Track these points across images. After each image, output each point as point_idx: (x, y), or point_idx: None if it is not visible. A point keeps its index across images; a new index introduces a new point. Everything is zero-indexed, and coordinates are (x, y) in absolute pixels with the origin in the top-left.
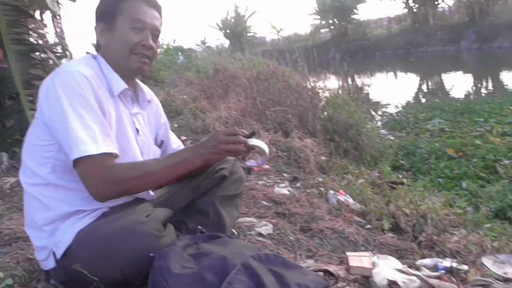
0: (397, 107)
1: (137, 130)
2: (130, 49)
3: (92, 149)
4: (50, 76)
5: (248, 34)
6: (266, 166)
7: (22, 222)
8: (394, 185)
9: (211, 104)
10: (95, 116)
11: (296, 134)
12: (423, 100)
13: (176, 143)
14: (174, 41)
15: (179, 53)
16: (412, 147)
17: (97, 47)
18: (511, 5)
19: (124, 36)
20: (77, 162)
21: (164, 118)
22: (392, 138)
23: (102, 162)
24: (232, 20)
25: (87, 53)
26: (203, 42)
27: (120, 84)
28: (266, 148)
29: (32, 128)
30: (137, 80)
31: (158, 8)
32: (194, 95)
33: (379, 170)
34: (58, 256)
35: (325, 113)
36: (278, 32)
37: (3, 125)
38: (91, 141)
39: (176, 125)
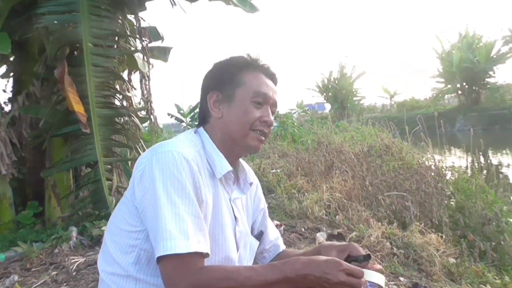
0: None
1: (236, 219)
2: (250, 125)
3: (180, 246)
4: (147, 154)
5: (355, 98)
6: None
7: None
8: None
9: (310, 182)
10: (190, 205)
11: (417, 227)
12: None
13: (274, 235)
14: None
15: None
16: None
17: (202, 119)
18: None
19: (245, 109)
20: (162, 258)
21: (263, 203)
22: None
23: (190, 262)
24: (336, 81)
25: (169, 115)
26: (300, 106)
27: (223, 166)
28: (383, 284)
29: (119, 208)
30: (240, 159)
31: (275, 80)
32: (289, 170)
33: None
34: None
35: (454, 201)
36: (392, 96)
37: (76, 196)
38: (182, 236)
39: (266, 205)
